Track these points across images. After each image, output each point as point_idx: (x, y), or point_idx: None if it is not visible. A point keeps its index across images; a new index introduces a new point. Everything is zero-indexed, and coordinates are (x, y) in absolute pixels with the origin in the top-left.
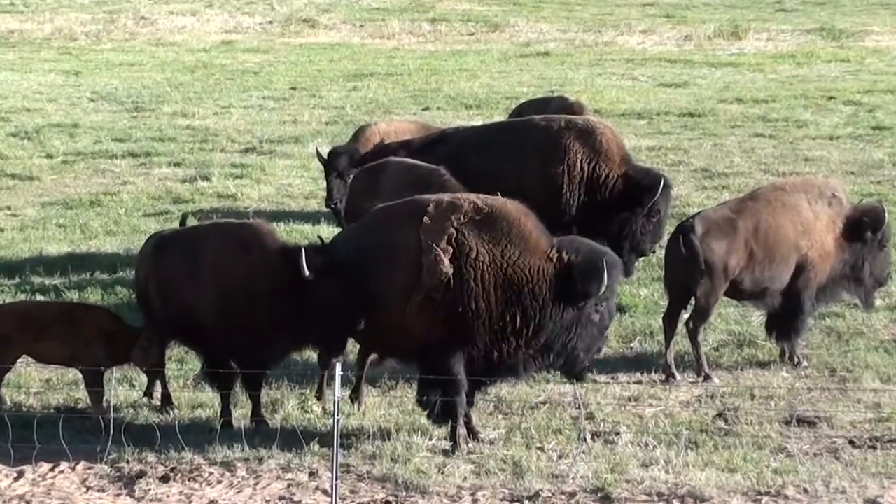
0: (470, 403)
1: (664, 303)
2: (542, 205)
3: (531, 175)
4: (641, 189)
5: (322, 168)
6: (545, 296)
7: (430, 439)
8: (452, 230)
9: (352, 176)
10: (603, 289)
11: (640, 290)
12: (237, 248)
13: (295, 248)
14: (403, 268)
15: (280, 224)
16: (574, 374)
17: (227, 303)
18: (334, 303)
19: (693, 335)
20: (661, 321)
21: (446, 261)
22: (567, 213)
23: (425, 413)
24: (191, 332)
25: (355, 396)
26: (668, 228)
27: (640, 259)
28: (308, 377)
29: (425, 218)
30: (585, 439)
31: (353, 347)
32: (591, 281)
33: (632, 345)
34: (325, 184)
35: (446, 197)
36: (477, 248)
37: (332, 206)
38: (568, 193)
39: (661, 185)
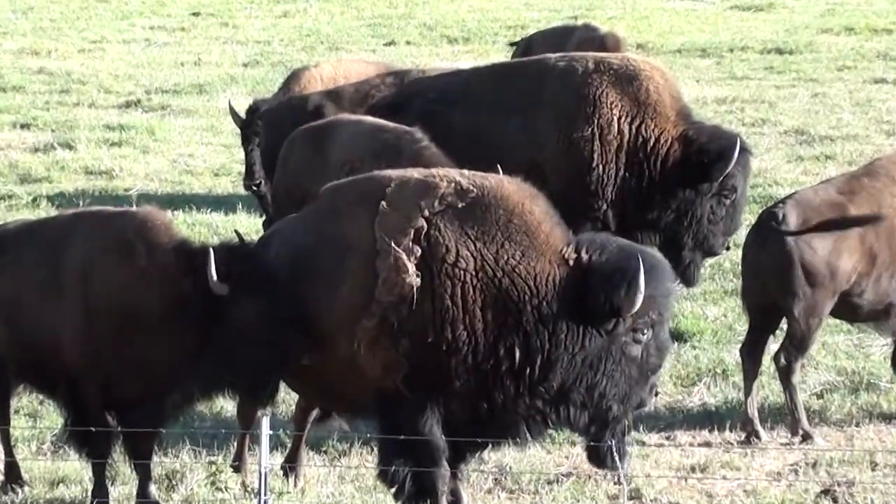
0: (455, 475)
1: (742, 327)
2: (560, 185)
3: (545, 140)
4: (708, 158)
5: (238, 132)
6: (557, 317)
7: None
8: (421, 222)
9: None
10: (637, 302)
11: (708, 309)
12: (115, 249)
13: (200, 250)
14: (350, 279)
15: (178, 213)
16: (602, 436)
17: (101, 329)
18: (258, 330)
19: (786, 375)
20: (737, 354)
21: (410, 268)
22: (598, 196)
23: (391, 490)
24: (48, 372)
25: (291, 467)
26: (748, 218)
27: (708, 262)
28: (222, 439)
29: (383, 204)
30: None
31: (288, 396)
32: (619, 291)
33: (695, 389)
34: (242, 155)
35: (415, 173)
36: (457, 249)
37: (254, 187)
38: (600, 167)
39: (737, 152)
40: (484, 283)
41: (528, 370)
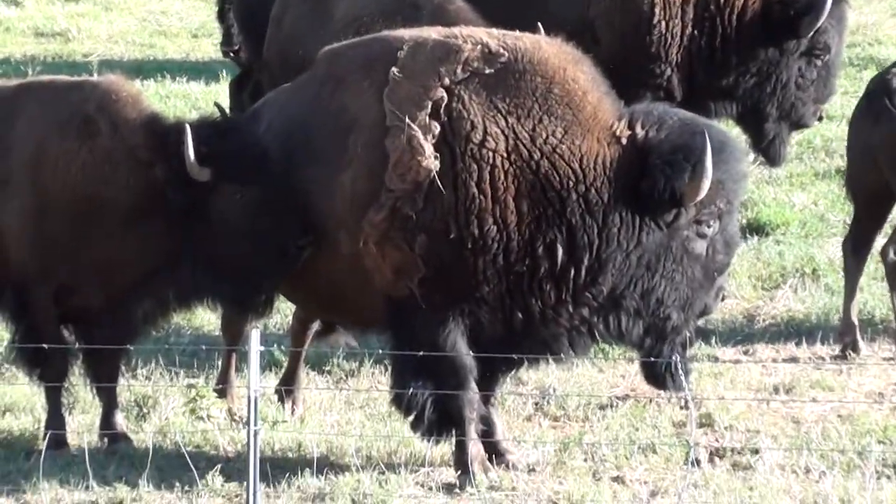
0: (487, 400)
1: (836, 217)
2: (614, 46)
3: None
4: (794, 9)
5: None
6: (608, 207)
7: (421, 466)
8: (441, 93)
9: None
10: (703, 189)
11: (794, 196)
12: (71, 126)
13: (175, 126)
14: (355, 163)
15: (149, 83)
16: (660, 350)
17: (54, 223)
18: (247, 222)
19: (894, 275)
20: (829, 251)
21: (427, 148)
22: (661, 59)
23: (408, 418)
24: None
25: (288, 390)
26: (843, 84)
27: (795, 138)
28: (203, 358)
29: (394, 70)
30: (697, 462)
31: (283, 305)
32: (682, 175)
33: (779, 293)
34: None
35: (433, 34)
36: (484, 125)
37: (231, 53)
38: (662, 23)
39: (830, 2)
40: (518, 167)
41: (572, 272)
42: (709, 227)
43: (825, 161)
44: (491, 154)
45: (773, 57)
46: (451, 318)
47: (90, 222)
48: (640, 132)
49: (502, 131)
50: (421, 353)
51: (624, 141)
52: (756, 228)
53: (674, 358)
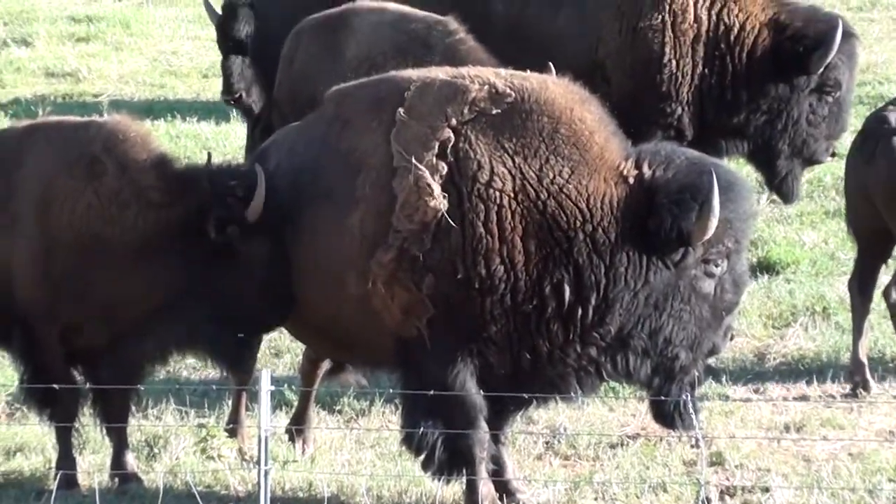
0: (497, 439)
1: (848, 256)
2: (625, 85)
3: (605, 32)
4: (804, 45)
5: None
6: (615, 247)
7: None
8: (448, 133)
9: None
10: (711, 228)
11: (805, 234)
12: (79, 167)
13: (190, 169)
14: (363, 204)
15: (159, 123)
16: (668, 389)
17: (62, 263)
18: (258, 262)
19: None
20: (841, 289)
21: (435, 189)
22: (671, 98)
23: (419, 459)
24: (1, 314)
25: (299, 430)
26: (854, 122)
27: (805, 176)
28: (214, 398)
29: (401, 111)
30: (708, 500)
31: (294, 345)
32: (689, 214)
33: (789, 332)
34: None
35: (440, 74)
36: (491, 166)
37: (233, 99)
38: (673, 62)
39: (839, 37)
40: (525, 207)
41: (579, 312)
42: (717, 266)
43: (835, 200)
44: (498, 194)
45: (784, 94)
46: (459, 358)
47: (97, 262)
48: (647, 172)
49: (509, 171)
50: (431, 392)
51: (631, 181)
52: (766, 267)
53: (683, 397)
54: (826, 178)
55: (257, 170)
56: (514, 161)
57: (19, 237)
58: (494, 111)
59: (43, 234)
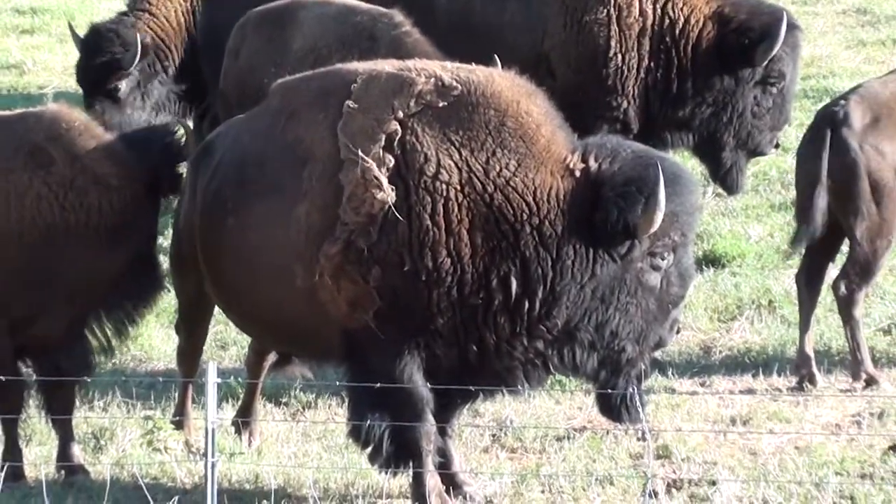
0: (444, 432)
1: (795, 250)
2: (570, 79)
3: (551, 25)
4: (749, 38)
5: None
6: (562, 240)
7: (379, 497)
8: (394, 126)
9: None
10: (657, 221)
11: (750, 228)
12: (20, 158)
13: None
14: (309, 196)
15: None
16: (614, 382)
17: (14, 255)
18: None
19: (847, 307)
20: (786, 282)
21: (382, 181)
22: (617, 92)
23: (366, 451)
24: None
25: (245, 422)
26: (798, 116)
27: (752, 168)
28: (160, 390)
29: (348, 103)
30: (655, 493)
31: (240, 337)
32: (635, 207)
33: (735, 325)
34: None
35: (386, 66)
36: (437, 158)
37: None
38: (618, 56)
39: (783, 30)
40: (471, 200)
41: (526, 305)
42: (663, 259)
43: (781, 193)
44: (445, 187)
45: (729, 86)
46: (406, 351)
47: (50, 253)
48: (593, 165)
49: (456, 164)
50: (378, 385)
51: (577, 174)
52: (712, 260)
53: (629, 390)
54: (771, 171)
55: (185, 126)
56: (460, 154)
57: None
58: (441, 104)
59: None
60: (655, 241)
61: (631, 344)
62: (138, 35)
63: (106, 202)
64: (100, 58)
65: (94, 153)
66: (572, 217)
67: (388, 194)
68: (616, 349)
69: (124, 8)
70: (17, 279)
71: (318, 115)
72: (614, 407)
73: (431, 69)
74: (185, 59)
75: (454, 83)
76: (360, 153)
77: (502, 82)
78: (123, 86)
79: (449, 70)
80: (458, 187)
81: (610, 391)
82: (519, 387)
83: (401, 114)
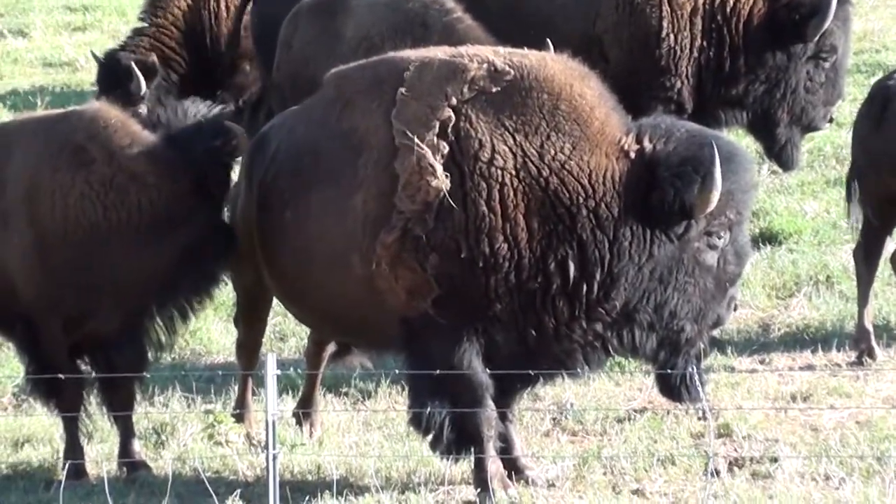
0: (504, 416)
1: (852, 225)
2: (622, 61)
3: (602, 7)
4: (800, 13)
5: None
6: (619, 221)
7: (440, 484)
8: (448, 112)
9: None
10: (713, 200)
11: (806, 204)
12: (63, 157)
13: (174, 140)
14: (364, 185)
15: None
16: (674, 362)
17: (56, 254)
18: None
19: None
20: (843, 258)
21: (437, 168)
22: (670, 72)
23: (427, 438)
24: (2, 308)
25: (306, 413)
26: (851, 91)
27: (807, 144)
28: (219, 384)
29: (401, 91)
30: (717, 472)
31: (299, 328)
32: (691, 185)
33: (793, 302)
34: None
35: (439, 53)
36: (492, 144)
37: None
38: (671, 37)
39: (835, 3)
40: (527, 184)
41: (584, 288)
42: (719, 238)
43: (836, 168)
44: (500, 172)
45: (782, 62)
46: (465, 337)
47: (92, 250)
48: (648, 146)
49: (510, 149)
50: (437, 372)
51: (632, 155)
52: (769, 238)
53: (689, 369)
54: (826, 147)
55: (225, 121)
56: (514, 139)
57: (12, 234)
58: (494, 89)
59: (33, 228)
60: (712, 220)
61: (690, 323)
62: (133, 63)
63: (146, 199)
64: (111, 91)
65: (130, 150)
66: (628, 199)
67: (443, 181)
68: (675, 329)
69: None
70: (66, 278)
71: (372, 103)
72: (674, 387)
73: (484, 55)
74: (196, 54)
75: (507, 68)
76: (415, 140)
77: (555, 66)
78: (144, 109)
79: (501, 55)
80: (514, 172)
81: (669, 371)
82: (578, 369)
83: (454, 100)
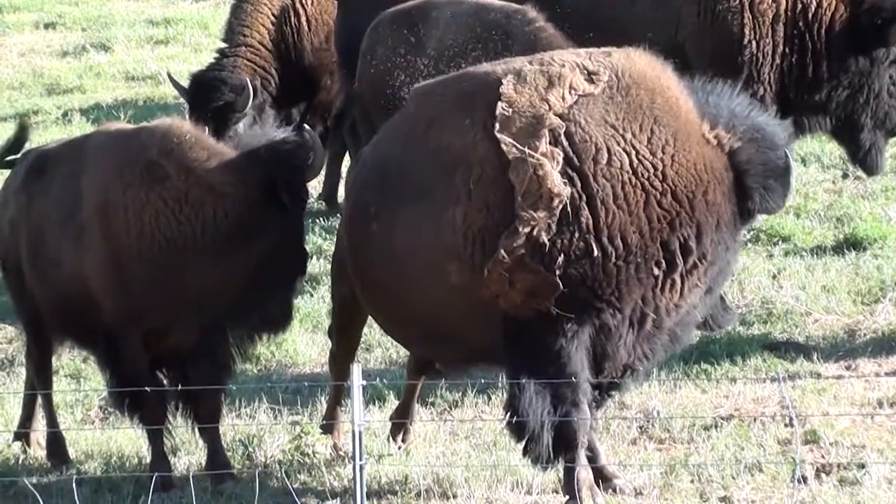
0: (592, 426)
1: None
2: (705, 69)
3: (683, 16)
4: (881, 17)
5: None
6: (721, 207)
7: (528, 494)
8: (555, 120)
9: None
10: (782, 206)
11: (891, 209)
12: (135, 173)
13: (247, 152)
14: (465, 199)
15: None
16: None
17: (133, 267)
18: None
19: None
20: None
21: (556, 175)
22: (753, 79)
23: (521, 442)
24: (84, 324)
25: (399, 424)
26: None
27: (890, 150)
28: (306, 395)
29: (501, 105)
30: (804, 479)
31: (384, 338)
32: (775, 198)
33: (879, 307)
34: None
35: (526, 64)
36: (607, 146)
37: None
38: (753, 44)
39: None
40: (646, 179)
41: (698, 270)
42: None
43: None
44: (619, 171)
45: (864, 67)
46: (581, 333)
47: (171, 264)
48: (725, 136)
49: (623, 149)
50: (539, 372)
51: (713, 143)
52: (853, 243)
53: None
54: None
55: (305, 130)
56: (625, 138)
57: (88, 248)
58: (594, 91)
59: (107, 244)
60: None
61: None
62: (247, 78)
63: (221, 212)
64: (211, 106)
65: (206, 164)
66: (722, 186)
67: (564, 187)
68: (716, 293)
69: (222, 45)
70: (143, 292)
71: (463, 120)
72: None
73: (568, 59)
74: (282, 72)
75: (600, 68)
76: (527, 151)
77: (641, 60)
78: (241, 127)
79: (583, 56)
80: (631, 170)
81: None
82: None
83: (559, 107)
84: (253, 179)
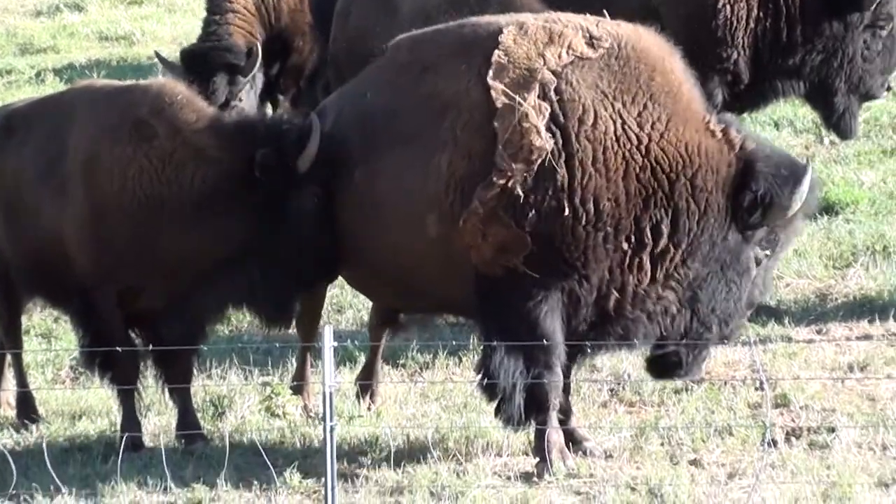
0: (566, 387)
1: None
2: (679, 32)
3: None
4: None
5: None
6: (709, 196)
7: (499, 455)
8: (548, 75)
9: None
10: (795, 206)
11: (863, 174)
12: (125, 130)
13: (245, 121)
14: (451, 143)
15: None
16: (687, 363)
17: (113, 226)
18: (305, 219)
19: None
20: None
21: (541, 128)
22: (727, 43)
23: (493, 403)
24: (58, 281)
25: (366, 386)
26: None
27: (864, 114)
28: (277, 356)
29: (498, 54)
30: (774, 442)
31: (356, 300)
32: (785, 187)
33: (850, 272)
34: None
35: (531, 18)
36: (594, 108)
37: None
38: (727, 7)
39: None
40: (628, 150)
41: (670, 254)
42: (766, 255)
43: (892, 138)
44: (602, 135)
45: (838, 31)
46: (549, 296)
47: (156, 224)
48: (736, 136)
49: (610, 116)
50: (509, 335)
51: (718, 136)
52: (825, 208)
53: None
54: (883, 117)
55: (313, 119)
56: (613, 106)
57: (69, 205)
58: (592, 56)
59: (91, 198)
60: (768, 234)
61: (717, 323)
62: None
63: (200, 176)
64: (217, 73)
65: (193, 126)
66: (718, 177)
67: (546, 142)
68: (706, 323)
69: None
70: (120, 249)
71: (459, 66)
72: (669, 365)
73: (576, 21)
74: (263, 35)
75: (604, 36)
76: (517, 100)
77: (649, 38)
78: (244, 96)
79: (594, 23)
80: (615, 137)
81: (666, 353)
82: (636, 340)
83: (553, 64)
84: (239, 149)
